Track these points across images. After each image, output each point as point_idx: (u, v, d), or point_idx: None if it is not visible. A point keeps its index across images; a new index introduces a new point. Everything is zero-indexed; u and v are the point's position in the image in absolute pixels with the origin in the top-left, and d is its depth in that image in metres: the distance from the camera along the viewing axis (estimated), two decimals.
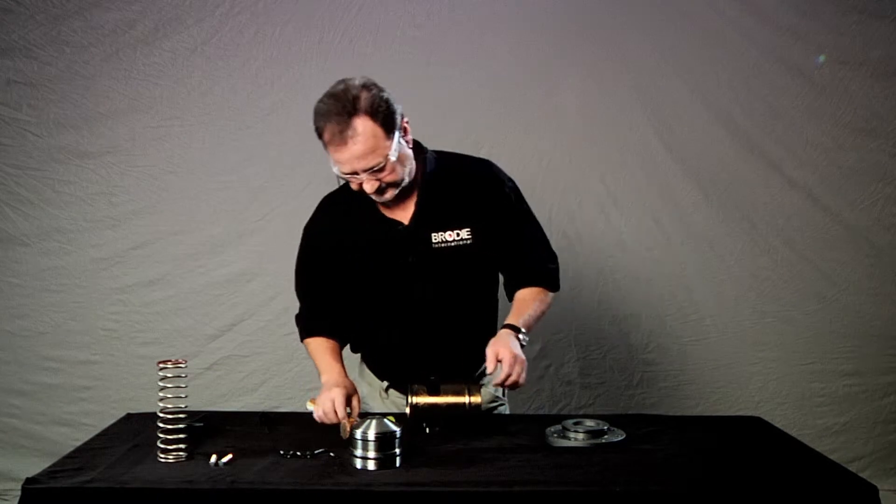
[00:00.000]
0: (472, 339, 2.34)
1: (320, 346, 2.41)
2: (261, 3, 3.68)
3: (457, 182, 2.35)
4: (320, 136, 2.18)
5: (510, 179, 2.43)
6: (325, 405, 2.18)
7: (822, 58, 3.74)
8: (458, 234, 2.32)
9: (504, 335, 2.25)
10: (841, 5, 3.73)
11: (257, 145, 3.69)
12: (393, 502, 1.81)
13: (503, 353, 2.17)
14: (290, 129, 3.62)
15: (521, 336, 2.26)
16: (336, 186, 2.40)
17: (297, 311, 2.50)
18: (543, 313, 2.41)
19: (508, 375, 2.16)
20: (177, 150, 3.72)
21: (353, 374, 2.61)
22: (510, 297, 2.45)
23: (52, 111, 3.67)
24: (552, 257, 2.49)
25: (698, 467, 1.98)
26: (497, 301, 2.49)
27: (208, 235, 3.75)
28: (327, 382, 2.28)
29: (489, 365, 2.17)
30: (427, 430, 2.19)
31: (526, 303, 2.36)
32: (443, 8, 3.70)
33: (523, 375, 2.17)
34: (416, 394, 2.18)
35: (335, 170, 2.21)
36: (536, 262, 2.43)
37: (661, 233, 3.80)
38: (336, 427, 2.12)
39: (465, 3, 3.71)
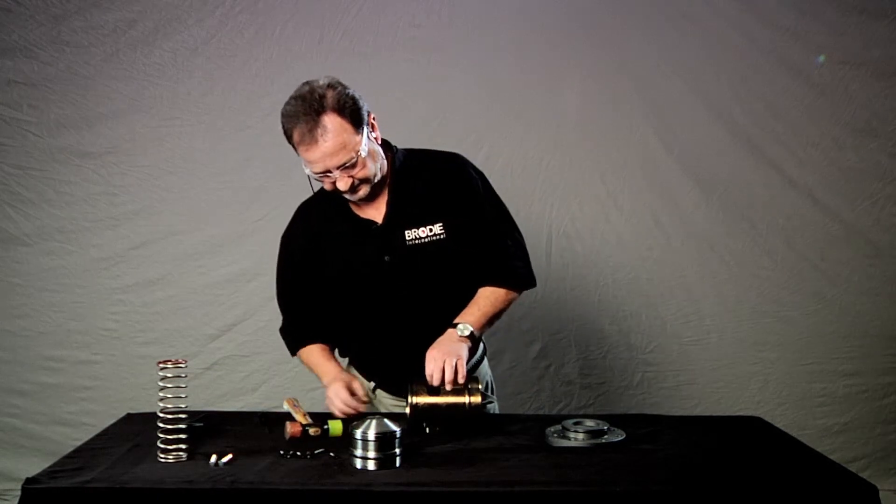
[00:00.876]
0: None
1: (313, 353, 2.43)
2: (261, 3, 3.68)
3: (426, 177, 2.35)
4: (289, 138, 2.20)
5: (479, 172, 2.42)
6: (335, 402, 2.24)
7: (822, 58, 3.74)
8: (430, 230, 2.31)
9: (444, 335, 2.25)
10: (841, 5, 3.73)
11: (257, 145, 3.69)
12: (393, 502, 1.81)
13: (430, 354, 2.18)
14: None
15: (459, 327, 2.25)
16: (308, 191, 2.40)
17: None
18: (500, 310, 2.37)
19: (433, 374, 2.15)
20: (177, 150, 3.72)
21: None
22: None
23: (53, 111, 3.67)
24: (520, 255, 2.43)
25: (698, 467, 1.98)
26: None
27: (208, 235, 3.75)
28: (327, 383, 2.32)
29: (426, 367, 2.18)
30: (427, 430, 2.19)
31: (477, 301, 2.34)
32: (443, 8, 3.70)
33: (448, 372, 2.14)
34: (416, 394, 2.17)
35: (307, 171, 2.23)
36: (501, 259, 2.39)
37: (661, 233, 3.80)
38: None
39: (465, 3, 3.71)
